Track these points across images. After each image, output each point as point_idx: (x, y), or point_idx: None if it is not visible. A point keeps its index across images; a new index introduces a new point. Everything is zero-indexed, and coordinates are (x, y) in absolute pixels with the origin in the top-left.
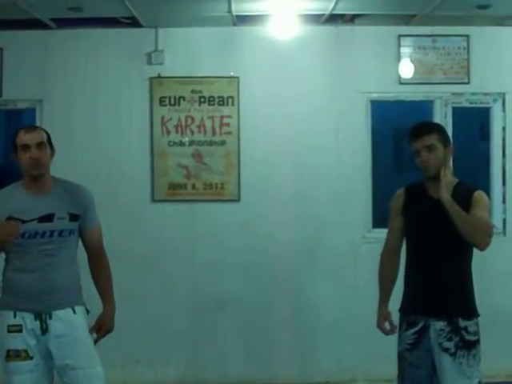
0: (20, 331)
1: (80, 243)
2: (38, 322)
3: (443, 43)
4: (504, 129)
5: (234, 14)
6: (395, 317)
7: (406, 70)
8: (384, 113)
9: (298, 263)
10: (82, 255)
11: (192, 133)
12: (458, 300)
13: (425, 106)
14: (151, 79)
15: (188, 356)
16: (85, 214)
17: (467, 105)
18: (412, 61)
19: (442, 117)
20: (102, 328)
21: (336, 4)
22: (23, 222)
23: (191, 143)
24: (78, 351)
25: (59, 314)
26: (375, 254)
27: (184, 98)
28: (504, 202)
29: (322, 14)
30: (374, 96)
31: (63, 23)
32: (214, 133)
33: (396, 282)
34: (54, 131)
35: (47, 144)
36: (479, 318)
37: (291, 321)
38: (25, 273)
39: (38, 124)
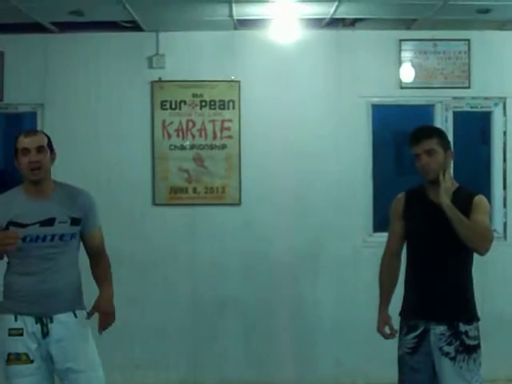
0: (21, 335)
1: (81, 247)
2: (38, 326)
3: (444, 47)
4: (505, 133)
5: (235, 18)
6: (395, 321)
7: (407, 74)
8: (385, 117)
9: (298, 267)
10: (82, 259)
11: (193, 137)
12: (459, 304)
13: (426, 111)
14: (152, 83)
15: (188, 359)
16: (86, 217)
17: (468, 109)
18: (413, 65)
19: (443, 121)
20: (99, 311)
21: (337, 8)
22: (24, 226)
23: (192, 147)
24: (78, 355)
25: (60, 317)
26: (376, 258)
27: (185, 102)
28: (505, 206)
29: (323, 18)
30: (375, 100)
31: (64, 27)
32: (214, 137)
33: (396, 286)
34: (54, 135)
35: (47, 148)
36: (480, 323)
37: (291, 324)
38: (26, 276)
39: (39, 128)
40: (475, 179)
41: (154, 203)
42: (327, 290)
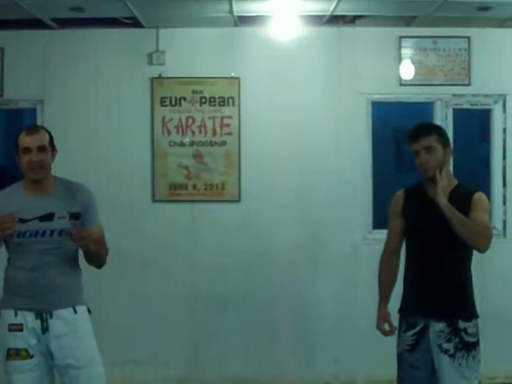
0: (21, 330)
1: None
2: (38, 321)
3: (444, 45)
4: (504, 130)
5: (235, 14)
6: (395, 318)
7: (407, 71)
8: (384, 114)
9: (297, 264)
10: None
11: (193, 133)
12: (458, 301)
13: (425, 108)
14: (152, 79)
15: (188, 356)
16: (85, 212)
17: (468, 106)
18: (413, 62)
19: (443, 118)
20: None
21: (337, 5)
22: (24, 221)
23: (192, 144)
24: (78, 351)
25: (60, 313)
26: (375, 255)
27: (185, 99)
28: (504, 203)
29: (323, 15)
30: (375, 97)
31: (64, 23)
32: (214, 133)
33: (396, 284)
34: (54, 131)
35: (49, 147)
36: (479, 320)
37: (291, 322)
38: (26, 271)
39: (38, 124)
40: (475, 176)
41: (154, 200)
42: (327, 287)
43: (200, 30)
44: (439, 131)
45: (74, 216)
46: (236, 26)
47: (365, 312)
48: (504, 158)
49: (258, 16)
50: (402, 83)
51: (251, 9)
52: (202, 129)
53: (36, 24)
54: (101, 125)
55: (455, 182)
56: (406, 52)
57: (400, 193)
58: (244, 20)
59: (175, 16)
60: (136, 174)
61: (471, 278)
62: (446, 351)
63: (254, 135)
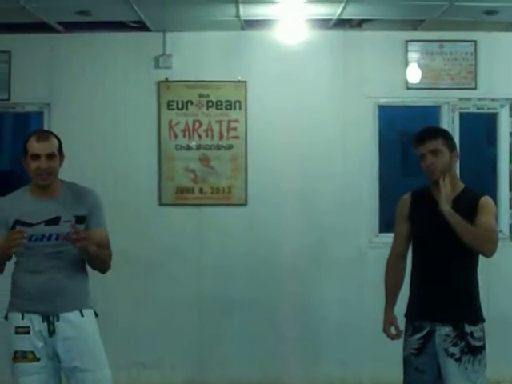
0: (28, 333)
1: None
2: (45, 324)
3: (451, 48)
4: (511, 134)
5: (242, 18)
6: (401, 322)
7: (414, 75)
8: (391, 118)
9: (304, 267)
10: None
11: (199, 137)
12: (464, 305)
13: (432, 112)
14: (159, 83)
15: (194, 359)
16: (90, 214)
17: (474, 110)
18: (419, 66)
19: (449, 122)
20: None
21: (344, 9)
22: (30, 225)
23: (198, 147)
24: (85, 353)
25: (67, 316)
26: (382, 259)
27: (191, 102)
28: (511, 207)
29: (330, 19)
30: (382, 101)
31: (71, 27)
32: (221, 137)
33: (402, 287)
34: (61, 134)
35: (57, 154)
36: (485, 324)
37: (297, 325)
38: (33, 274)
39: (45, 127)
40: (481, 180)
41: (160, 203)
42: (333, 291)
43: (207, 33)
44: (445, 135)
45: (79, 219)
46: (243, 29)
47: (371, 315)
48: (510, 161)
49: (264, 20)
50: (408, 87)
51: (258, 13)
52: (209, 132)
53: (43, 28)
54: (107, 128)
55: (462, 185)
56: (413, 56)
57: (407, 196)
58: (251, 24)
59: (182, 20)
60: (142, 178)
61: (477, 281)
62: (452, 355)
63: (260, 139)
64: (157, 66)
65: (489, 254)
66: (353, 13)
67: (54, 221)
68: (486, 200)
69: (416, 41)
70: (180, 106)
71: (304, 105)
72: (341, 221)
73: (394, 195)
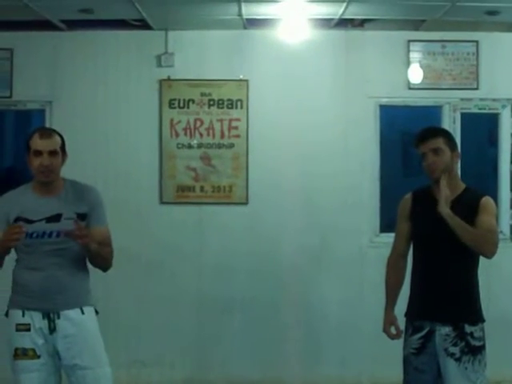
0: (28, 330)
1: None
2: (46, 321)
3: (452, 49)
4: None
5: (245, 17)
6: (401, 321)
7: (415, 75)
8: (393, 117)
9: (304, 266)
10: None
11: (201, 135)
12: (464, 305)
13: (433, 112)
14: (161, 81)
15: (194, 358)
16: (91, 212)
17: (476, 110)
18: (421, 66)
19: (451, 122)
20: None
21: (346, 8)
22: (31, 221)
23: (200, 146)
24: (86, 351)
25: (68, 313)
26: (382, 259)
27: (193, 101)
28: (511, 207)
29: (332, 19)
30: (383, 101)
31: (73, 25)
32: (222, 136)
33: (402, 287)
34: (63, 132)
35: (60, 151)
36: (485, 324)
37: (297, 324)
38: (33, 272)
39: (47, 125)
40: (482, 181)
41: (162, 201)
42: (333, 290)
43: (209, 32)
44: (447, 134)
45: (80, 217)
46: (245, 28)
47: (371, 315)
48: (511, 162)
49: (266, 19)
50: (410, 87)
51: (260, 11)
52: (210, 131)
53: (45, 25)
54: (109, 126)
55: (463, 186)
56: (415, 56)
57: (408, 196)
58: (253, 23)
59: (184, 18)
60: (144, 176)
61: (478, 282)
62: (452, 355)
63: (261, 138)
64: (159, 65)
65: (489, 254)
66: (355, 12)
67: (55, 218)
68: (486, 200)
69: (418, 41)
70: (182, 105)
71: (305, 104)
72: (342, 220)
73: (395, 195)
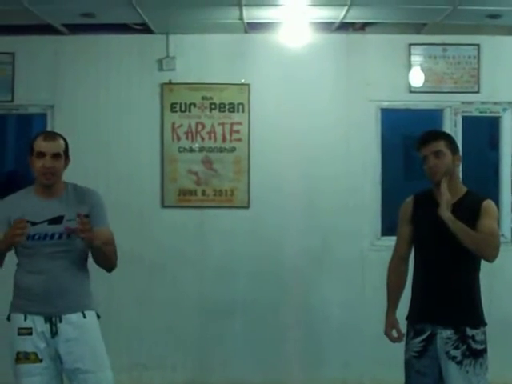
0: (30, 334)
1: None
2: (48, 325)
3: (454, 52)
4: None
5: (246, 21)
6: (403, 324)
7: (417, 78)
8: (394, 121)
9: (306, 270)
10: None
11: (202, 139)
12: (466, 309)
13: (435, 115)
14: (162, 85)
15: (195, 361)
16: (92, 212)
17: (477, 114)
18: (422, 69)
19: (452, 126)
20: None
21: (347, 12)
22: (34, 223)
23: (201, 149)
24: (87, 355)
25: (69, 317)
26: (384, 262)
27: (195, 105)
28: None
29: (333, 22)
30: (384, 104)
31: (75, 29)
32: (224, 139)
33: (404, 290)
34: (64, 136)
35: (63, 155)
36: (487, 327)
37: (299, 327)
38: (35, 275)
39: (48, 129)
40: (483, 184)
41: (163, 205)
42: (335, 293)
43: (210, 36)
44: (448, 138)
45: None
46: (246, 32)
47: (372, 317)
48: None
49: (268, 23)
50: (411, 90)
51: (261, 15)
52: (212, 135)
53: (47, 29)
54: (111, 130)
55: (464, 189)
56: (416, 59)
57: (409, 199)
58: (254, 26)
59: (185, 22)
60: (145, 180)
61: (479, 285)
62: (453, 358)
63: (263, 141)
64: (160, 69)
65: (491, 258)
66: (356, 16)
67: (57, 220)
68: (488, 204)
69: (419, 44)
70: (183, 109)
71: (307, 107)
72: (343, 223)
73: (397, 198)
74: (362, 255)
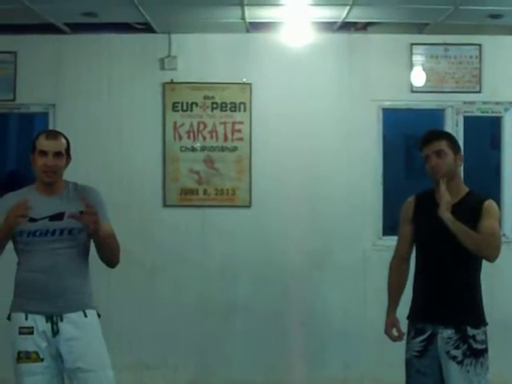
0: (31, 333)
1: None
2: (49, 325)
3: (455, 52)
4: None
5: (248, 20)
6: (404, 324)
7: (418, 78)
8: (396, 121)
9: (307, 270)
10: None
11: (204, 138)
12: (467, 308)
13: (436, 115)
14: (164, 85)
15: (197, 361)
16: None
17: (478, 114)
18: (424, 69)
19: (454, 125)
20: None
21: (349, 12)
22: (35, 220)
23: (203, 149)
24: (88, 354)
25: (70, 316)
26: (385, 262)
27: (196, 104)
28: None
29: (335, 22)
30: (386, 104)
31: (77, 28)
32: (225, 139)
33: (405, 290)
34: (66, 135)
35: (65, 154)
36: (487, 327)
37: (300, 327)
38: (36, 273)
39: (50, 128)
40: (485, 184)
41: (165, 204)
42: (336, 293)
43: (212, 35)
44: (450, 137)
45: None
46: (248, 32)
47: (374, 318)
48: None
49: (269, 22)
50: (413, 90)
51: (263, 15)
52: (214, 134)
53: (49, 28)
54: (112, 129)
55: (466, 189)
56: (418, 59)
57: (411, 199)
58: (256, 26)
59: (187, 21)
60: (147, 179)
61: (480, 285)
62: (454, 358)
63: (265, 141)
64: (162, 68)
65: (491, 258)
66: (358, 16)
67: (58, 216)
68: (489, 204)
69: (421, 44)
70: (185, 108)
71: (308, 107)
72: (345, 223)
73: (398, 198)
74: (363, 255)
